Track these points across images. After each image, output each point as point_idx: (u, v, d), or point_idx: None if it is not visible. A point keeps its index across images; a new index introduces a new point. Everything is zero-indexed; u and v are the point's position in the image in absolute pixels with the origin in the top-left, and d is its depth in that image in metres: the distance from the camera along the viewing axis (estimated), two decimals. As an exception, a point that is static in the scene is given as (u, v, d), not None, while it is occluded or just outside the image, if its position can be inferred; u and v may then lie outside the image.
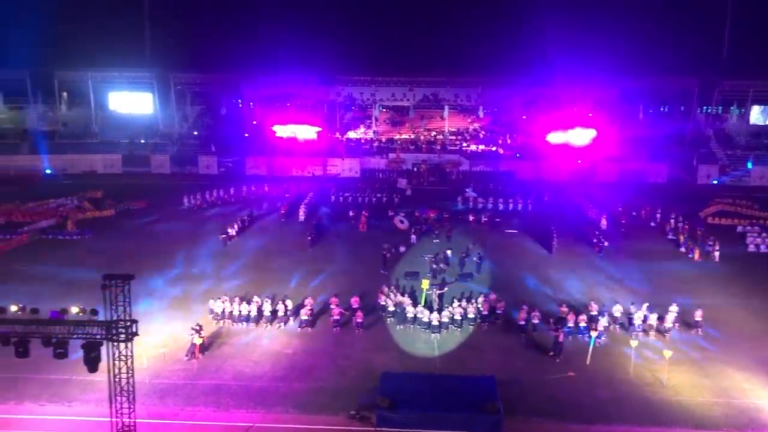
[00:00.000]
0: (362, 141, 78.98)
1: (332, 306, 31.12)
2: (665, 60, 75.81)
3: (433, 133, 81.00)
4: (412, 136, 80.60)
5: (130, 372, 19.91)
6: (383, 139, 79.20)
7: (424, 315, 30.71)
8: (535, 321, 30.74)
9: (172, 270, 38.79)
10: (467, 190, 58.99)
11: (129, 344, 19.53)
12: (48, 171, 69.39)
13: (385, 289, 33.24)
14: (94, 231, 46.88)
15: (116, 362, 19.59)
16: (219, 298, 31.65)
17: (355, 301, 31.81)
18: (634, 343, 27.67)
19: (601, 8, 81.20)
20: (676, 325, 30.89)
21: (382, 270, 38.71)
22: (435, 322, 30.32)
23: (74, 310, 21.30)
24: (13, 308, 22.36)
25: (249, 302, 31.51)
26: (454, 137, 79.92)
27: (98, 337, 19.18)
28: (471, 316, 31.20)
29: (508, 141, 77.85)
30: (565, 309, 31.66)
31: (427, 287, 33.02)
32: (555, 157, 69.41)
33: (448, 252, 40.41)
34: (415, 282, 35.42)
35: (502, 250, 43.55)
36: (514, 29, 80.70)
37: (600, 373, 26.97)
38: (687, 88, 76.25)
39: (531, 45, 75.45)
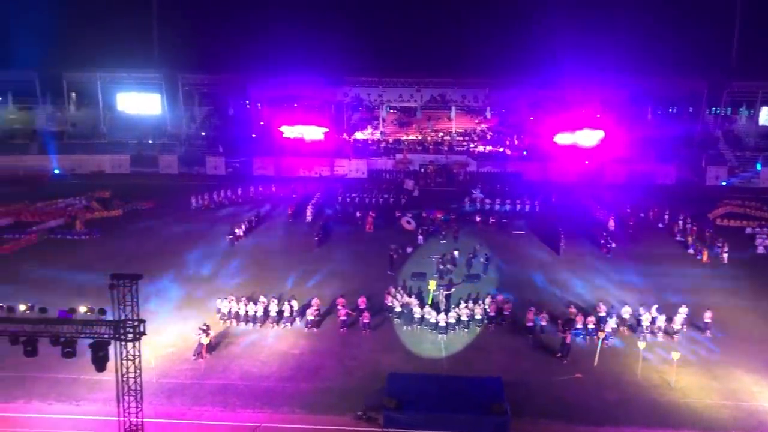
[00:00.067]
0: (369, 142, 78.99)
1: (339, 307, 31.15)
2: (674, 61, 75.54)
3: (441, 134, 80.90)
4: (419, 137, 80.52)
5: (138, 371, 19.95)
6: (390, 140, 79.21)
7: (431, 316, 30.66)
8: (543, 323, 30.68)
9: (179, 270, 38.88)
10: (474, 191, 58.92)
11: (137, 344, 19.58)
12: (57, 171, 69.79)
13: (392, 290, 33.23)
14: (103, 231, 47.08)
15: (124, 362, 19.64)
16: (226, 298, 31.73)
17: (362, 302, 31.76)
18: (642, 344, 27.54)
19: (609, 9, 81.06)
20: (685, 326, 30.75)
21: (389, 271, 38.70)
22: (442, 323, 30.26)
23: (82, 309, 21.32)
24: (22, 307, 22.38)
25: (255, 302, 31.58)
26: (461, 138, 79.82)
27: (106, 336, 19.23)
28: (478, 317, 31.15)
29: (516, 142, 77.69)
30: (573, 310, 31.53)
31: (434, 288, 33.03)
32: (563, 158, 69.22)
33: (455, 253, 40.33)
34: (422, 283, 35.41)
35: (510, 251, 43.47)
36: (522, 30, 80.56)
37: (608, 375, 26.86)
38: (696, 89, 75.89)
39: (539, 46, 75.22)
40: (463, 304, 31.46)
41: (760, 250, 44.51)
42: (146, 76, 79.59)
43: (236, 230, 45.46)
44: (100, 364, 19.43)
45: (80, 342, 19.45)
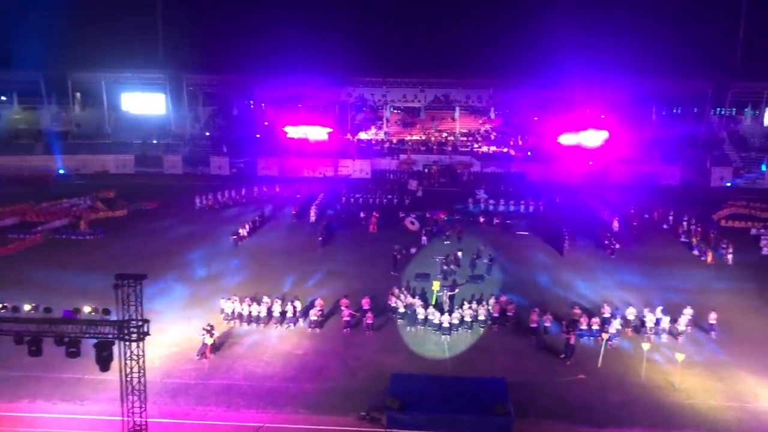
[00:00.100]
0: (373, 142, 79.05)
1: (343, 307, 31.14)
2: (678, 61, 75.35)
3: (444, 135, 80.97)
4: (423, 137, 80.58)
5: (142, 371, 20.01)
6: (394, 140, 79.26)
7: (435, 316, 30.64)
8: (547, 324, 30.63)
9: (183, 270, 38.95)
10: (478, 191, 58.89)
11: (141, 344, 19.64)
12: (61, 171, 70.06)
13: (396, 291, 33.21)
14: (107, 231, 47.22)
15: (128, 361, 19.70)
16: (230, 298, 31.76)
17: (365, 303, 31.76)
18: (646, 345, 27.48)
19: (614, 9, 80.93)
20: (689, 328, 30.65)
21: (392, 271, 38.69)
22: (445, 324, 30.24)
23: (86, 309, 21.40)
24: (27, 307, 22.48)
25: (259, 303, 31.60)
26: (465, 138, 79.84)
27: (110, 336, 19.30)
28: (481, 317, 31.13)
29: (520, 142, 77.65)
30: (577, 311, 31.50)
31: (438, 289, 33.01)
32: (567, 158, 69.13)
33: (459, 253, 40.34)
34: (426, 283, 35.43)
35: (513, 252, 43.43)
36: (527, 30, 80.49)
37: (611, 376, 26.81)
38: (700, 90, 75.78)
39: (543, 46, 75.15)
40: (466, 305, 31.44)
41: (765, 251, 44.33)
42: (151, 76, 79.78)
43: (240, 230, 45.54)
44: (104, 364, 19.50)
45: (84, 342, 19.54)
